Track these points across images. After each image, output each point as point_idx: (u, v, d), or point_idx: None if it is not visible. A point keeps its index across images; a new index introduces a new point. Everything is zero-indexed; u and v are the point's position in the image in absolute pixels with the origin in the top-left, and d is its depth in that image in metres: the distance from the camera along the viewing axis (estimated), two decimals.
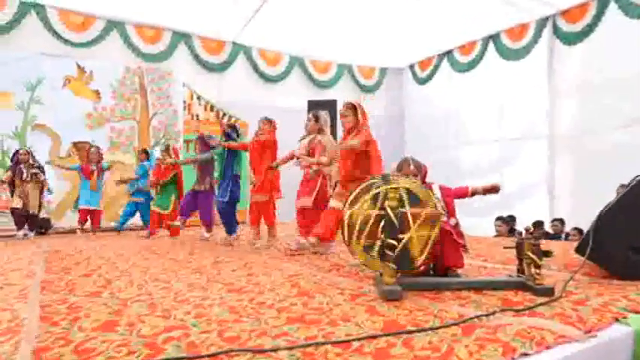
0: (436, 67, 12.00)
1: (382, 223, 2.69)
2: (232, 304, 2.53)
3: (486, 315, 2.16)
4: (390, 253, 2.68)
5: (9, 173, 7.25)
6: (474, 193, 3.27)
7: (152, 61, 9.87)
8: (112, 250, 5.35)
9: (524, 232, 2.84)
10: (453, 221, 3.15)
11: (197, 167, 6.63)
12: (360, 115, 4.23)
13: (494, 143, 10.50)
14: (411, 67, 12.70)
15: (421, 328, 2.00)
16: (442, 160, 11.66)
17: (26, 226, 7.37)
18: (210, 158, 6.22)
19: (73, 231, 7.78)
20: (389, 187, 2.75)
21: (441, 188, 3.25)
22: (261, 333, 2.02)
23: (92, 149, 7.73)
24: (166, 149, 7.26)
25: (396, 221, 2.70)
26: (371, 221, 2.73)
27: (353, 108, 4.26)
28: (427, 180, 3.37)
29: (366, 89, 12.58)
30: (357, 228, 2.75)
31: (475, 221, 8.08)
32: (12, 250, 5.66)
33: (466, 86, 11.24)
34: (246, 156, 5.92)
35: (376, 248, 2.71)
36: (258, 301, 2.61)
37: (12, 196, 7.30)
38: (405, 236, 2.65)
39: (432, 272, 3.21)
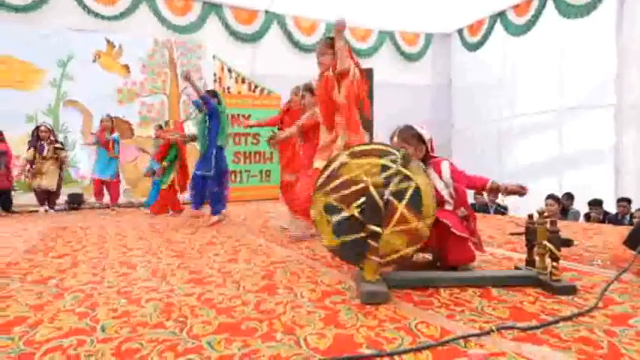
0: (488, 30, 10.88)
1: (367, 199, 2.13)
2: (173, 301, 2.08)
3: (477, 335, 1.56)
4: (374, 243, 2.12)
5: (31, 150, 7.22)
6: (492, 190, 2.55)
7: (182, 34, 9.57)
8: (117, 228, 5.10)
9: (536, 214, 2.18)
10: (461, 212, 2.51)
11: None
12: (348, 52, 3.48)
13: (552, 113, 9.40)
14: (460, 31, 11.63)
15: (376, 352, 1.45)
16: (493, 133, 10.72)
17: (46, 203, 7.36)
18: None
19: (105, 207, 7.69)
20: (403, 172, 2.18)
21: (453, 170, 2.57)
22: (170, 347, 1.55)
23: (104, 117, 7.47)
24: (159, 127, 6.95)
25: (383, 210, 2.13)
26: (358, 187, 2.19)
27: (331, 45, 3.52)
28: (438, 154, 2.70)
29: (410, 57, 11.70)
30: (337, 180, 2.24)
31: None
32: (22, 225, 5.57)
33: (521, 51, 10.12)
34: (228, 126, 5.47)
35: (338, 218, 2.22)
36: (208, 297, 2.15)
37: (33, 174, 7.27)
38: (379, 229, 2.09)
39: (438, 264, 2.62)
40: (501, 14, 10.47)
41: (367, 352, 1.48)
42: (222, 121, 5.17)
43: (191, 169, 6.22)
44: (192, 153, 8.24)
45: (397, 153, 2.24)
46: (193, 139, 6.64)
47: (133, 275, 2.65)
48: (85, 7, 8.84)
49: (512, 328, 1.62)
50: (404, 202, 2.19)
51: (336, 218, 2.24)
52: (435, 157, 2.62)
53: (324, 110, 3.62)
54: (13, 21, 8.45)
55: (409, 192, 2.19)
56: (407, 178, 2.20)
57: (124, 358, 1.46)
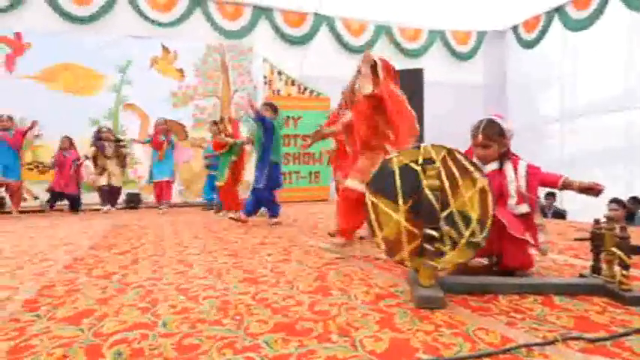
0: (545, 26, 10.45)
1: (424, 202, 2.09)
2: (229, 299, 2.13)
3: (541, 344, 1.50)
4: (429, 247, 2.08)
5: (93, 149, 7.62)
6: (565, 187, 2.40)
7: (233, 38, 9.81)
8: (172, 227, 5.29)
9: (603, 219, 2.06)
10: (522, 208, 2.41)
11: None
12: (380, 74, 3.32)
13: (617, 114, 8.88)
14: (514, 28, 11.24)
15: (434, 358, 1.42)
16: (554, 134, 10.27)
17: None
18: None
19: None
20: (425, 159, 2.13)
21: (530, 168, 2.46)
22: (228, 344, 1.58)
23: (159, 120, 7.73)
24: (214, 123, 7.03)
25: (436, 205, 2.08)
26: (403, 225, 2.16)
27: (372, 66, 3.39)
28: (512, 150, 2.59)
29: (461, 56, 11.42)
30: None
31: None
32: (85, 223, 5.87)
33: (583, 47, 9.63)
34: (282, 142, 5.43)
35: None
36: (263, 296, 2.18)
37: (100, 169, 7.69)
38: (435, 233, 2.04)
39: (495, 268, 2.53)
40: (559, 9, 10.03)
41: (425, 357, 1.45)
42: (276, 138, 5.17)
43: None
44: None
45: (482, 237, 2.12)
46: (248, 142, 6.79)
47: (190, 273, 2.73)
48: (142, 14, 9.22)
49: (579, 338, 1.54)
50: (446, 181, 2.12)
51: (417, 169, 2.16)
52: (515, 155, 2.53)
53: (361, 131, 3.49)
54: (78, 31, 8.95)
55: (442, 171, 2.12)
56: (454, 245, 2.12)
57: (185, 353, 1.51)
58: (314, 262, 3.03)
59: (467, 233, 2.09)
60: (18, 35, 8.61)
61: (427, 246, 2.09)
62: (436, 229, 2.08)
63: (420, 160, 2.17)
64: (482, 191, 2.11)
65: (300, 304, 2.06)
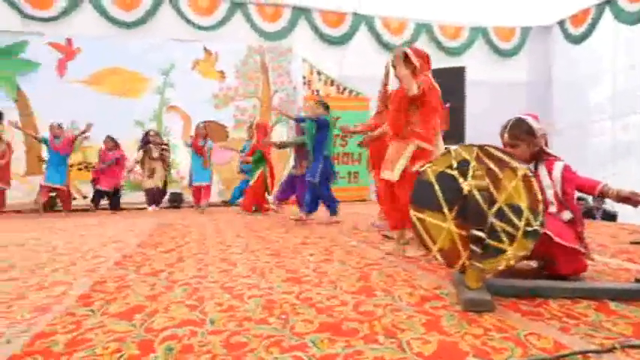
0: (595, 20, 10.01)
1: (470, 203, 2.05)
2: (274, 298, 2.15)
3: (597, 352, 1.43)
4: (477, 249, 2.04)
5: (140, 152, 7.88)
6: (602, 194, 2.29)
7: (273, 39, 9.91)
8: (214, 226, 5.39)
9: None
10: (566, 215, 2.32)
11: (294, 151, 6.55)
12: (416, 62, 3.25)
13: None
14: (561, 23, 10.82)
15: None
16: (604, 131, 9.83)
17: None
18: (303, 142, 5.93)
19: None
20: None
21: (566, 172, 2.36)
22: (275, 342, 1.59)
23: (199, 125, 7.89)
24: (250, 126, 7.21)
25: (483, 205, 2.04)
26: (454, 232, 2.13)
27: (404, 57, 3.34)
28: (549, 150, 2.49)
29: (504, 53, 11.12)
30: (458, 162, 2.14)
31: None
32: (131, 221, 6.07)
33: (637, 40, 9.15)
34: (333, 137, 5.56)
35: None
36: (307, 296, 2.19)
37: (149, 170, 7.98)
38: (482, 235, 1.99)
39: (543, 271, 2.45)
40: (610, 1, 9.59)
41: None
42: (329, 133, 5.38)
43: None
44: (283, 155, 8.54)
45: (538, 224, 2.03)
46: (281, 146, 6.91)
47: (234, 272, 2.78)
48: (185, 18, 9.46)
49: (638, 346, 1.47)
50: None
51: (455, 174, 2.14)
52: (550, 155, 2.44)
53: (395, 119, 3.41)
54: (124, 35, 9.27)
55: (496, 244, 2.05)
56: (512, 240, 2.04)
57: (233, 351, 1.53)
58: (356, 262, 3.02)
59: (522, 224, 2.03)
60: (69, 41, 9.00)
61: (474, 247, 2.05)
62: (482, 229, 2.03)
63: (455, 164, 2.13)
64: (526, 178, 2.05)
65: (344, 304, 2.05)
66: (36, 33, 8.84)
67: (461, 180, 2.11)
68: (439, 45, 10.81)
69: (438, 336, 1.64)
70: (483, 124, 9.21)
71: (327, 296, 2.18)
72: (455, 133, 7.41)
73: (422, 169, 2.25)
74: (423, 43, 10.69)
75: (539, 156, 2.43)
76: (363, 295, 2.19)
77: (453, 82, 7.85)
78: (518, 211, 2.04)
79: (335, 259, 3.12)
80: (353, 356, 1.47)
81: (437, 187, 2.16)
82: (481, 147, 2.13)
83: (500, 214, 2.05)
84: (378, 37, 10.52)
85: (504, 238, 2.04)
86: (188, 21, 9.47)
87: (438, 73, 8.76)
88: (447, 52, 10.82)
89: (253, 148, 7.02)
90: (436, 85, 3.30)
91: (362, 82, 9.84)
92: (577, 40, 10.44)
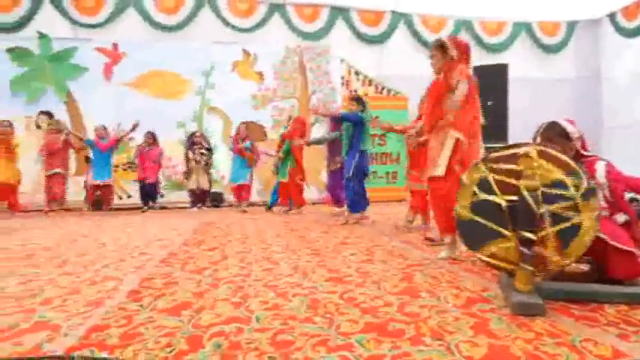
0: None
1: (521, 204, 1.99)
2: (318, 297, 2.15)
3: None
4: (526, 251, 1.98)
5: (185, 152, 8.13)
6: None
7: (311, 40, 9.93)
8: (255, 225, 5.45)
9: None
10: (620, 218, 2.21)
11: (326, 147, 6.56)
12: (453, 52, 3.16)
13: None
14: (612, 16, 10.35)
15: None
16: None
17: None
18: (337, 137, 5.94)
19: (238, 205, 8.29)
20: (577, 203, 1.98)
21: (610, 170, 2.26)
22: (321, 342, 1.59)
23: (240, 126, 7.98)
24: (289, 119, 7.32)
25: (534, 205, 1.97)
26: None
27: (441, 47, 3.24)
28: (589, 152, 2.39)
29: (549, 49, 10.74)
30: (509, 165, 2.10)
31: None
32: (174, 220, 6.21)
33: None
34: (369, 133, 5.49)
35: (485, 197, 2.14)
36: (350, 296, 2.18)
37: (187, 173, 8.18)
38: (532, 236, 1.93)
39: (596, 274, 2.34)
40: None
41: None
42: (364, 129, 5.33)
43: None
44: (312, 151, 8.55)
45: (586, 182, 1.98)
46: (313, 143, 6.94)
47: (276, 270, 2.80)
48: (224, 21, 9.62)
49: None
50: (555, 228, 1.98)
51: (483, 196, 2.13)
52: (589, 157, 2.34)
53: (431, 113, 3.32)
54: (166, 39, 9.53)
55: (567, 224, 1.97)
56: (576, 209, 1.96)
57: (280, 349, 1.54)
58: (398, 262, 2.99)
59: (572, 190, 1.97)
60: (115, 46, 9.32)
61: (524, 250, 1.99)
62: (533, 231, 1.97)
63: (476, 190, 2.17)
64: (541, 153, 2.03)
65: (388, 304, 2.03)
66: (85, 39, 9.21)
67: (492, 196, 2.11)
68: (480, 42, 10.56)
69: (487, 339, 1.60)
70: (527, 123, 8.93)
71: (371, 296, 2.16)
72: (497, 131, 7.23)
73: (455, 210, 2.23)
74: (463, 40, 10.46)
75: (576, 159, 2.34)
76: (407, 296, 2.16)
77: (494, 79, 7.66)
78: (560, 184, 1.98)
79: (376, 260, 3.10)
80: (401, 357, 1.45)
81: (479, 219, 2.15)
82: (484, 160, 2.16)
83: (548, 198, 1.98)
84: (416, 35, 10.36)
85: (571, 213, 1.97)
86: (227, 23, 9.63)
87: (480, 71, 8.57)
88: (488, 49, 10.55)
89: (284, 136, 7.09)
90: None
91: (401, 81, 9.72)
92: (630, 33, 9.95)
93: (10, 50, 8.90)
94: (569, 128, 2.33)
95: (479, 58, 10.09)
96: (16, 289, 2.43)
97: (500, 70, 8.05)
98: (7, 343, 1.64)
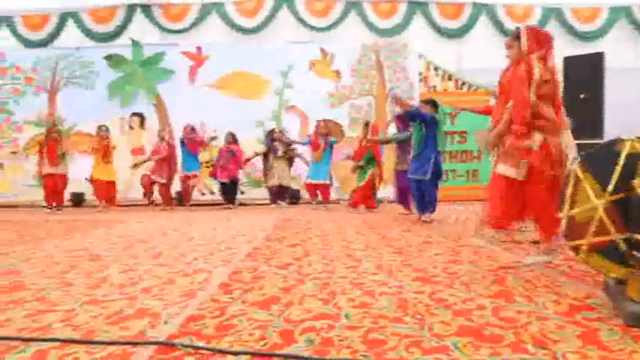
0: None
1: (634, 204, 1.81)
2: (406, 297, 2.10)
3: None
4: (638, 255, 1.80)
5: (264, 148, 8.37)
6: None
7: (388, 36, 9.82)
8: (333, 222, 5.48)
9: None
10: None
11: (397, 147, 6.50)
12: (524, 44, 2.91)
13: None
14: None
15: None
16: None
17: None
18: (408, 137, 5.82)
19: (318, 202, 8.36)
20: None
21: None
22: (414, 343, 1.55)
23: (319, 122, 8.05)
24: (365, 125, 7.24)
25: None
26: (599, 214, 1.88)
27: (517, 38, 2.98)
28: None
29: None
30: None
31: None
32: (255, 217, 6.40)
33: None
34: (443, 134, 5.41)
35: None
36: (440, 297, 2.11)
37: (264, 169, 8.39)
38: None
39: None
40: None
41: None
42: (439, 129, 5.29)
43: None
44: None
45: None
46: (386, 142, 6.87)
47: (360, 268, 2.77)
48: (302, 21, 9.78)
49: None
50: None
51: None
52: None
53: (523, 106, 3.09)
54: (247, 40, 9.88)
55: None
56: None
57: (373, 348, 1.51)
58: (487, 264, 2.85)
59: None
60: (199, 49, 9.80)
61: (637, 254, 1.80)
62: None
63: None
64: None
65: (481, 308, 1.94)
66: (172, 44, 9.78)
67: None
68: (571, 30, 9.85)
69: (599, 351, 1.46)
70: (627, 117, 8.22)
71: (461, 298, 2.07)
72: (592, 127, 6.70)
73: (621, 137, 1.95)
74: (552, 28, 9.80)
75: None
76: (501, 300, 2.04)
77: (588, 70, 7.11)
78: None
79: (464, 260, 2.98)
80: None
81: (621, 162, 1.86)
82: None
83: None
84: (500, 27, 9.88)
85: None
86: (305, 23, 9.78)
87: (571, 62, 7.99)
88: (580, 37, 9.82)
89: (364, 148, 7.05)
90: (535, 69, 2.92)
91: (483, 74, 9.30)
92: None
93: (107, 57, 9.67)
94: None
95: (570, 48, 9.39)
96: (119, 277, 2.61)
97: (595, 60, 7.45)
98: (116, 327, 1.76)
